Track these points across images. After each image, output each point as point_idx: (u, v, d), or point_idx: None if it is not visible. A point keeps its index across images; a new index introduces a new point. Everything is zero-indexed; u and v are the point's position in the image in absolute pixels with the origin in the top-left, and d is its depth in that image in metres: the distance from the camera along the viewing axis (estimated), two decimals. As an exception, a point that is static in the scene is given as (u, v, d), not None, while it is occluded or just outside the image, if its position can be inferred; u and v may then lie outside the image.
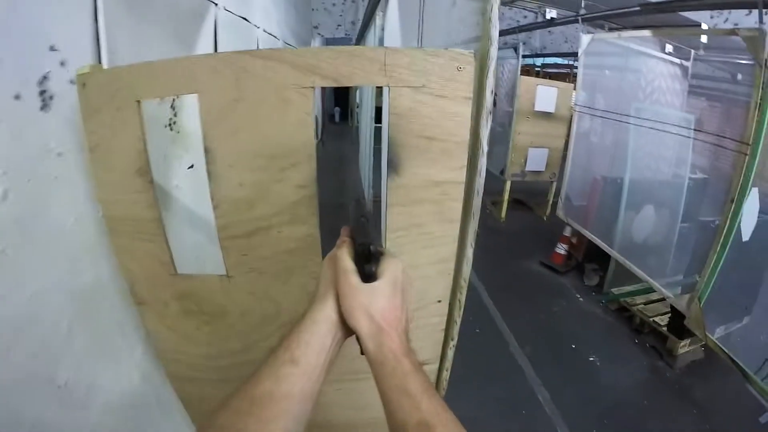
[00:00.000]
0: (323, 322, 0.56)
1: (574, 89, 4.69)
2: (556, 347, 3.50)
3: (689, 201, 3.35)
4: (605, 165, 4.19)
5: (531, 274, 4.70)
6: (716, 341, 2.62)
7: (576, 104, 4.25)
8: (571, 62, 9.37)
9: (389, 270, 0.59)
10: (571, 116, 4.49)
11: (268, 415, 0.48)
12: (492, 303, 4.04)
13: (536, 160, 5.55)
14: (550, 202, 5.98)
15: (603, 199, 4.03)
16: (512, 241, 5.39)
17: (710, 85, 3.91)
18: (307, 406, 0.52)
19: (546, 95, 5.29)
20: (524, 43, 10.63)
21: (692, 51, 3.92)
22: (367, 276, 0.58)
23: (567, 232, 4.63)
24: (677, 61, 3.96)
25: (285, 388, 0.50)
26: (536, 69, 10.27)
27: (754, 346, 2.60)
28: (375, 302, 0.55)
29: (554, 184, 5.86)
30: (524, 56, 11.14)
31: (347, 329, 0.57)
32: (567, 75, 9.79)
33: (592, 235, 4.07)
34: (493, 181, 6.12)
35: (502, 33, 6.40)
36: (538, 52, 9.52)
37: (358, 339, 0.55)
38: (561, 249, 4.72)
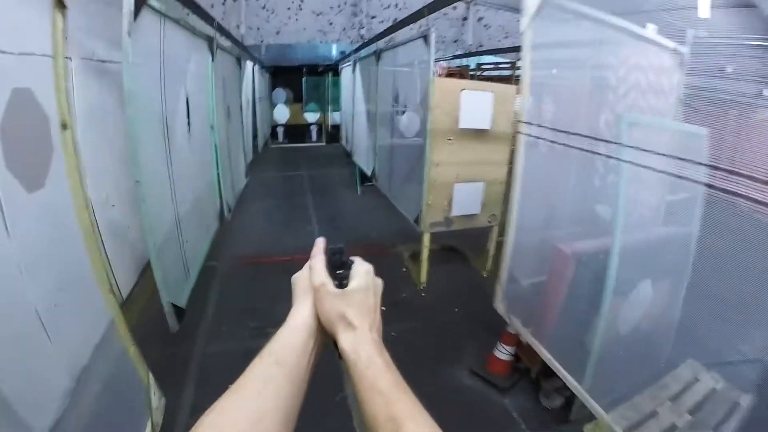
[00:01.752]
0: (303, 327, 0.60)
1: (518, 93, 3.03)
2: None
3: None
4: (573, 224, 2.48)
5: (458, 393, 2.90)
6: None
7: (520, 119, 2.49)
8: (509, 61, 7.84)
9: (359, 275, 0.64)
10: (514, 136, 2.78)
11: (258, 413, 0.50)
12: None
13: (466, 199, 3.78)
14: (491, 253, 4.27)
15: (573, 287, 2.30)
16: (433, 324, 3.57)
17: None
18: (295, 404, 0.55)
19: (476, 104, 3.53)
20: (455, 41, 9.09)
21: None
22: (341, 281, 0.63)
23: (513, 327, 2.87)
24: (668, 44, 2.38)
25: (273, 387, 0.53)
26: (471, 72, 8.63)
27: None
28: (350, 306, 0.60)
29: (495, 229, 4.15)
30: (455, 56, 9.67)
31: (326, 333, 0.61)
32: (510, 78, 8.30)
33: (550, 356, 2.33)
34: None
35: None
36: (472, 51, 7.92)
37: (334, 343, 0.59)
38: (504, 352, 2.95)
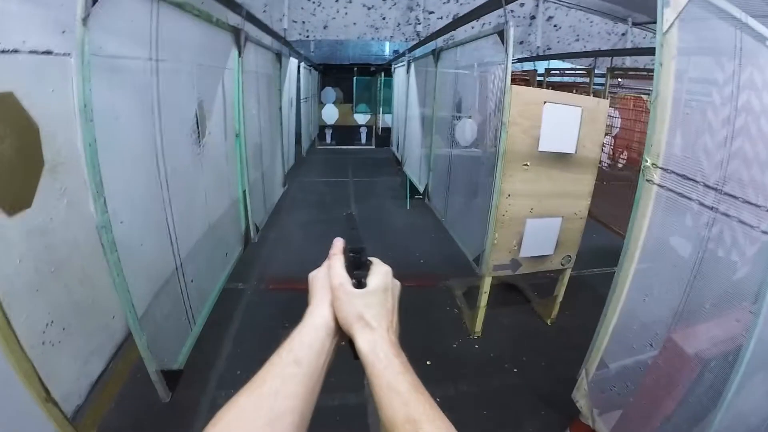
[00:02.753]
0: (322, 326, 0.60)
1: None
2: None
3: None
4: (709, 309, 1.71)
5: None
6: None
7: (654, 161, 1.69)
8: (584, 68, 6.88)
9: (378, 275, 0.65)
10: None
11: (275, 412, 0.50)
12: None
13: (540, 238, 3.04)
14: (560, 299, 3.51)
15: (690, 396, 1.55)
16: (486, 390, 2.86)
17: None
18: (311, 404, 0.55)
19: (560, 122, 2.79)
20: (521, 43, 8.18)
21: None
22: (359, 282, 0.63)
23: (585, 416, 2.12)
24: None
25: (291, 387, 0.53)
26: (539, 77, 7.73)
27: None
28: (368, 307, 0.60)
29: (568, 272, 3.39)
30: (520, 59, 8.70)
31: (342, 333, 0.61)
32: (573, 86, 7.37)
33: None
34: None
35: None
36: (540, 54, 7.03)
37: (351, 343, 0.59)
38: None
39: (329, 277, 0.64)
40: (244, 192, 3.91)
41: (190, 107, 2.73)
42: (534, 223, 2.96)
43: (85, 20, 1.49)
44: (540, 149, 2.76)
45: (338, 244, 0.70)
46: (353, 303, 0.60)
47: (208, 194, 3.04)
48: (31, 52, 1.50)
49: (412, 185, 6.39)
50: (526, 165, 2.79)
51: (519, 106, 2.66)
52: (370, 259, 0.68)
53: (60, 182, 1.68)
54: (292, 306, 3.50)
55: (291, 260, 4.62)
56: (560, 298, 3.51)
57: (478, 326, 3.33)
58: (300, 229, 5.61)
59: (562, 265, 3.29)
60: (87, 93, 1.54)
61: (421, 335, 3.34)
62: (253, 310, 3.66)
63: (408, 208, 6.55)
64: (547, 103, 2.74)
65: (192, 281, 2.62)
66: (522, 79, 7.93)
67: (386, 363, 0.55)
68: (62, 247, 1.69)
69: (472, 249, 3.33)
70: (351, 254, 0.66)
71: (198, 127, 2.82)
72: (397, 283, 0.68)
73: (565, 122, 2.81)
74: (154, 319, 1.97)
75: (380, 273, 0.65)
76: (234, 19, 3.50)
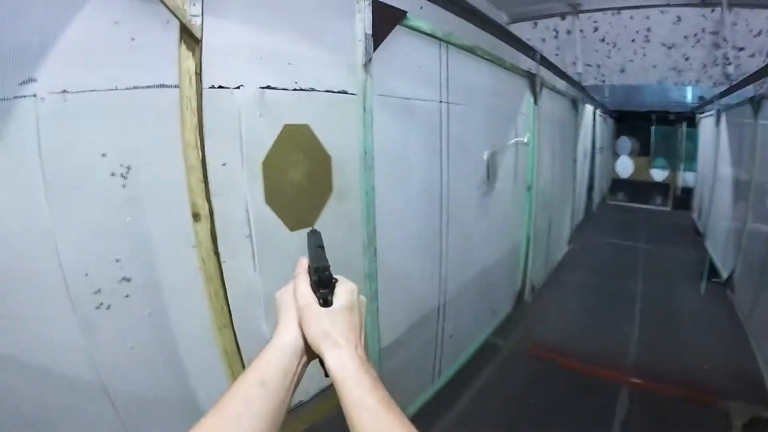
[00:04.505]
0: (288, 346, 0.60)
1: None
2: None
3: None
4: None
5: None
6: None
7: None
8: None
9: (344, 294, 0.64)
10: None
11: None
12: None
13: None
14: None
15: None
16: None
17: None
18: (277, 423, 0.56)
19: None
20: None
21: None
22: (325, 301, 0.62)
23: None
24: None
25: (254, 409, 0.54)
26: None
27: None
28: (335, 325, 0.60)
29: None
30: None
31: (311, 353, 0.61)
32: None
33: None
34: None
35: None
36: None
37: (321, 363, 0.59)
38: None
39: (295, 297, 0.64)
40: (526, 249, 3.76)
41: (480, 152, 2.80)
42: None
43: (366, 66, 1.61)
44: None
45: (302, 263, 0.69)
46: (320, 322, 0.60)
47: (485, 246, 3.03)
48: (326, 90, 1.65)
49: (711, 265, 4.94)
50: None
51: None
52: (336, 277, 0.66)
53: (345, 207, 1.79)
54: (548, 379, 3.28)
55: (560, 327, 4.22)
56: None
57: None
58: (577, 296, 5.13)
59: None
60: (368, 140, 1.66)
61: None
62: (503, 373, 3.42)
63: (702, 293, 5.07)
64: None
65: (451, 336, 2.68)
66: None
67: (356, 380, 0.56)
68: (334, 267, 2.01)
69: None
70: (316, 272, 0.65)
71: (488, 175, 2.86)
72: (363, 299, 0.67)
73: None
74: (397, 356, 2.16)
75: (346, 291, 0.64)
76: (526, 63, 3.47)
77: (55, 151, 0.97)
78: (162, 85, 1.12)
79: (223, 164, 1.34)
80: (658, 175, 10.17)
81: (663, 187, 10.18)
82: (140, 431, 1.17)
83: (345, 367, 0.57)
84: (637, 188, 10.44)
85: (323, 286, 0.64)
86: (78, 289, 1.03)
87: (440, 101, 2.27)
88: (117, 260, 1.10)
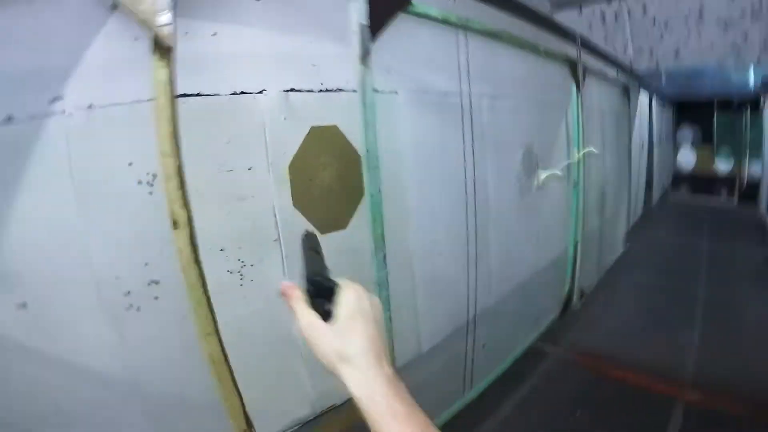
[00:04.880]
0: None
1: None
2: None
3: None
4: None
5: None
6: None
7: None
8: None
9: (348, 300, 0.54)
10: None
11: None
12: None
13: None
14: None
15: None
16: None
17: None
18: None
19: None
20: None
21: None
22: (325, 312, 0.54)
23: None
24: None
25: None
26: None
27: None
28: (347, 341, 0.52)
29: None
30: None
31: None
32: None
33: None
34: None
35: None
36: None
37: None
38: None
39: (296, 323, 0.55)
40: (574, 250, 3.55)
41: (514, 147, 2.66)
42: None
43: (363, 59, 1.57)
44: None
45: (288, 287, 0.58)
46: (328, 342, 0.52)
47: (526, 249, 2.88)
48: (353, 90, 1.62)
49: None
50: None
51: None
52: (337, 281, 0.57)
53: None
54: (594, 389, 3.10)
55: (613, 333, 3.99)
56: None
57: None
58: (634, 299, 4.83)
59: None
60: (370, 138, 1.62)
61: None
62: (547, 380, 3.27)
63: (773, 296, 4.62)
64: None
65: (483, 346, 2.57)
66: None
67: (385, 408, 0.47)
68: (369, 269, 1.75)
69: None
70: (311, 284, 0.56)
71: (525, 171, 2.71)
72: (376, 301, 0.57)
73: None
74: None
75: (350, 297, 0.55)
76: (566, 49, 3.25)
77: (84, 163, 1.02)
78: (183, 95, 1.16)
79: (249, 169, 1.36)
80: (723, 166, 9.41)
81: (728, 180, 9.41)
82: (168, 427, 1.22)
83: (371, 393, 0.48)
84: (698, 181, 9.76)
85: (320, 295, 0.55)
86: (109, 291, 1.08)
87: (461, 93, 2.16)
88: (146, 264, 1.14)
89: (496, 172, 2.49)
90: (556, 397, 2.99)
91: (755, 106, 7.68)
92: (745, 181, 9.01)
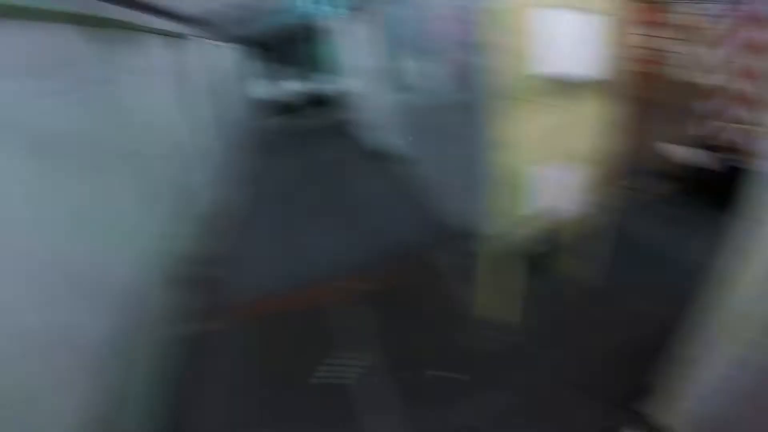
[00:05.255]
0: None
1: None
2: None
3: None
4: None
5: None
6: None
7: None
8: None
9: None
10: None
11: None
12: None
13: (558, 190, 2.35)
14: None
15: None
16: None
17: None
18: None
19: (567, 34, 2.02)
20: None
21: None
22: None
23: None
24: None
25: None
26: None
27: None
28: None
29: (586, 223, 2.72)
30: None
31: None
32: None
33: None
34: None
35: None
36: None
37: None
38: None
39: None
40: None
41: None
42: (543, 173, 2.25)
43: None
44: (541, 76, 2.01)
45: None
46: None
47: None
48: None
49: (374, 149, 5.48)
50: (528, 100, 2.04)
51: (509, 18, 1.87)
52: None
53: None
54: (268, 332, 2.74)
55: (254, 272, 3.65)
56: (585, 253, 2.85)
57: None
58: (255, 230, 4.60)
59: (581, 219, 2.62)
60: None
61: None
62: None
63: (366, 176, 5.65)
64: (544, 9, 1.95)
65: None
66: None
67: None
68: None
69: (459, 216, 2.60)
70: None
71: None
72: None
73: (574, 36, 2.03)
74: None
75: None
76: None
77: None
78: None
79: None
80: (296, 86, 11.04)
81: (307, 97, 11.08)
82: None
83: None
84: (281, 105, 11.05)
85: None
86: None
87: None
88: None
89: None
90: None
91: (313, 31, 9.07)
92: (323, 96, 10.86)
